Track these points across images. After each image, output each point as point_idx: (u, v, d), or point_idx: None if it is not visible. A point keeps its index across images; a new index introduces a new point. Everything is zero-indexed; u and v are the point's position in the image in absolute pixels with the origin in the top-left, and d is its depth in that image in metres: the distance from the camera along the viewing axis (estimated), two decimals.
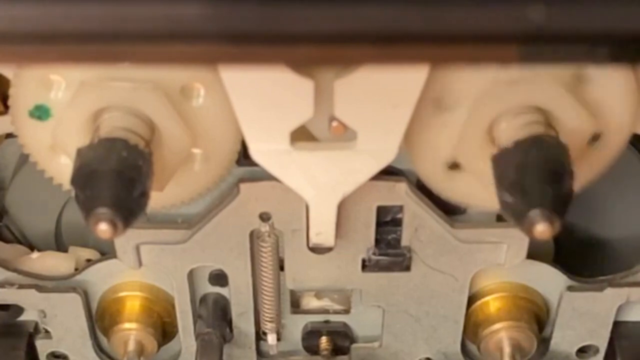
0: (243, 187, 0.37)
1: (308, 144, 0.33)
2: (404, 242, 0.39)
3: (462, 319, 0.42)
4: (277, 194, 0.36)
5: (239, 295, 0.41)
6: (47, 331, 0.42)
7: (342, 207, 0.36)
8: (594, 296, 0.41)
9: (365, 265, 0.40)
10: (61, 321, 0.42)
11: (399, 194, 0.37)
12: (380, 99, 0.30)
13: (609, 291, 0.41)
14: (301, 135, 0.32)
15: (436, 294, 0.41)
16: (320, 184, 0.34)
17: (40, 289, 0.40)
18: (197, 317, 0.42)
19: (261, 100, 0.30)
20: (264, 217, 0.38)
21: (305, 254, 0.39)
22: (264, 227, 0.38)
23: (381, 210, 0.38)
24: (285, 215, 0.37)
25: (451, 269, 0.40)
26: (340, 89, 0.30)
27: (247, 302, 0.41)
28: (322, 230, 0.37)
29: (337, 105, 0.31)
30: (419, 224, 0.38)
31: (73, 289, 0.41)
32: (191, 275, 0.40)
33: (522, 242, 0.38)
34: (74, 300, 0.41)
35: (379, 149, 0.32)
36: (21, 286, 0.40)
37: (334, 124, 0.31)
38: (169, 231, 0.38)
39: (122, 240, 0.38)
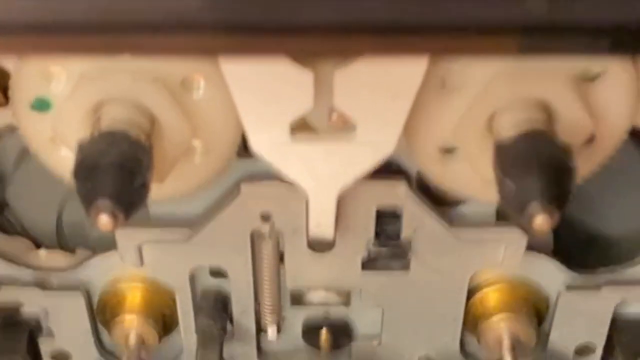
0: (244, 187, 0.37)
1: (308, 136, 0.33)
2: (403, 240, 0.39)
3: (461, 318, 0.42)
4: (277, 194, 0.36)
5: (239, 292, 0.41)
6: (50, 330, 0.43)
7: (341, 207, 0.36)
8: (592, 295, 0.41)
9: (364, 263, 0.40)
10: (64, 320, 0.42)
11: (398, 194, 0.37)
12: (380, 90, 0.30)
13: (607, 290, 0.41)
14: (301, 127, 0.32)
15: (435, 293, 0.41)
16: (320, 176, 0.34)
17: (43, 287, 0.41)
18: (197, 309, 0.42)
19: (261, 91, 0.30)
20: (265, 217, 0.38)
21: (305, 253, 0.39)
22: (265, 227, 0.38)
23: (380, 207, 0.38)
24: (285, 215, 0.38)
25: (450, 268, 0.40)
26: (340, 80, 0.30)
27: (248, 299, 0.41)
28: (322, 222, 0.37)
29: (336, 96, 0.31)
30: (418, 224, 0.38)
31: (76, 288, 0.41)
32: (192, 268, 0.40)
33: (519, 243, 0.39)
34: (77, 300, 0.41)
35: (379, 140, 0.32)
36: (24, 284, 0.40)
37: (334, 116, 0.31)
38: (171, 230, 0.39)
39: (124, 240, 0.38)
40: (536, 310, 0.42)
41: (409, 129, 0.33)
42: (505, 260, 0.39)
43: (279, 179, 0.35)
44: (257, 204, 0.37)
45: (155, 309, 0.42)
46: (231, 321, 0.42)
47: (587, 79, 0.32)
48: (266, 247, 0.39)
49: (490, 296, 0.41)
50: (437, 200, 0.38)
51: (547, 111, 0.32)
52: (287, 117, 0.31)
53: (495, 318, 0.41)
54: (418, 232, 0.38)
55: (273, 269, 0.40)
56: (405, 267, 0.40)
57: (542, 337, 0.43)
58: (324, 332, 0.43)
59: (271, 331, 0.43)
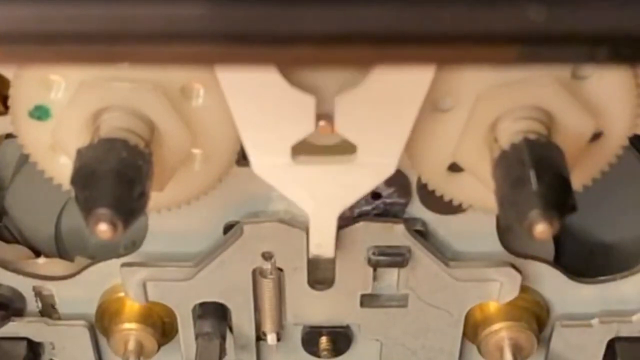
0: (246, 227, 0.38)
1: (309, 158, 0.33)
2: (402, 279, 0.40)
3: (457, 352, 0.43)
4: (278, 234, 0.37)
5: (241, 325, 0.42)
6: None
7: (340, 246, 0.37)
8: (585, 331, 0.41)
9: (363, 300, 0.40)
10: (69, 353, 0.43)
11: (397, 235, 0.38)
12: (381, 113, 0.31)
13: (599, 326, 0.41)
14: (302, 148, 0.33)
15: (432, 329, 0.42)
16: (321, 197, 0.35)
17: (49, 322, 0.41)
18: (196, 316, 0.42)
19: (263, 115, 0.31)
20: (266, 256, 0.38)
21: (305, 290, 0.40)
22: (266, 265, 0.39)
23: None
24: (286, 254, 0.38)
25: (446, 305, 0.41)
26: (341, 104, 0.30)
27: (250, 328, 0.42)
28: (322, 242, 0.38)
29: (337, 120, 0.31)
30: (416, 263, 0.39)
31: (81, 324, 0.42)
32: None
33: (514, 281, 0.39)
34: (82, 333, 0.42)
35: (380, 162, 0.33)
36: (31, 320, 0.41)
37: (321, 123, 0.31)
38: (175, 269, 0.39)
39: (129, 276, 0.39)
40: (537, 318, 0.42)
41: (412, 151, 0.34)
42: (501, 296, 0.40)
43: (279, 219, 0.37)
44: (258, 243, 0.38)
45: (154, 317, 0.41)
46: (230, 329, 0.42)
47: (579, 77, 0.32)
48: (267, 285, 0.39)
49: (491, 304, 0.41)
50: (439, 206, 0.38)
51: (544, 115, 0.32)
52: (288, 140, 0.32)
53: (496, 326, 0.41)
54: (415, 270, 0.39)
55: (274, 302, 0.40)
56: (403, 304, 0.41)
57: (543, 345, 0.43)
58: (323, 340, 0.43)
59: (271, 338, 0.43)
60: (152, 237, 0.39)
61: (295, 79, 0.30)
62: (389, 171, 0.33)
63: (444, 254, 0.39)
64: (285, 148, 0.32)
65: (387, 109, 0.31)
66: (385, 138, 0.32)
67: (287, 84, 0.30)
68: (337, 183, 0.34)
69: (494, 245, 0.39)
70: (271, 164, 0.33)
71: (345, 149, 0.33)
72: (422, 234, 0.39)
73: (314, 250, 0.38)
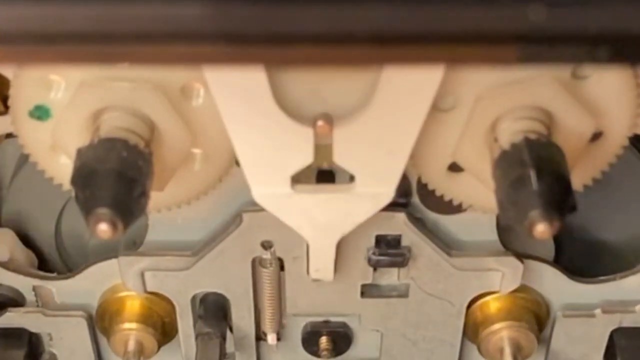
0: (246, 216, 0.38)
1: (308, 187, 0.34)
2: (403, 269, 0.39)
3: (458, 343, 0.43)
4: (278, 223, 0.37)
5: (240, 316, 0.42)
6: (53, 353, 0.43)
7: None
8: (587, 321, 0.41)
9: (364, 290, 0.40)
10: (67, 344, 0.43)
11: (398, 223, 0.38)
12: (378, 145, 0.32)
13: (602, 316, 0.41)
14: (301, 178, 0.33)
15: (433, 319, 0.42)
16: (320, 225, 0.35)
17: (46, 312, 0.41)
18: (197, 317, 0.42)
19: (263, 148, 0.32)
20: (266, 245, 0.38)
21: (305, 280, 0.40)
22: (266, 255, 0.39)
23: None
24: (286, 243, 0.38)
25: (448, 295, 0.40)
26: (339, 136, 0.31)
27: (249, 318, 0.42)
28: (321, 267, 0.38)
29: (336, 151, 0.32)
30: (417, 253, 0.39)
31: (78, 308, 0.41)
32: None
33: (516, 271, 0.39)
34: (79, 324, 0.42)
35: (377, 192, 0.34)
36: (28, 310, 0.41)
37: (320, 123, 0.32)
38: (173, 258, 0.39)
39: (127, 266, 0.39)
40: (537, 318, 0.42)
41: (412, 151, 0.34)
42: (503, 287, 0.40)
43: None
44: (258, 232, 0.38)
45: (154, 316, 0.41)
46: (230, 329, 0.42)
47: (579, 77, 0.32)
48: (267, 274, 0.39)
49: (491, 304, 0.41)
50: (439, 206, 0.38)
51: (544, 115, 0.32)
52: (288, 171, 0.33)
53: (496, 326, 0.41)
54: (417, 260, 0.39)
55: (274, 295, 0.40)
56: (404, 294, 0.40)
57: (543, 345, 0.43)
58: (323, 340, 0.43)
59: (271, 338, 0.43)
60: (151, 231, 0.39)
61: (293, 82, 0.30)
62: (387, 199, 0.34)
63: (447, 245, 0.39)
64: (285, 178, 0.33)
65: (384, 140, 0.32)
66: (383, 168, 0.33)
67: (285, 115, 0.30)
68: (336, 211, 0.35)
69: (494, 245, 0.39)
70: (271, 193, 0.34)
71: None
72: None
73: (313, 275, 0.39)
